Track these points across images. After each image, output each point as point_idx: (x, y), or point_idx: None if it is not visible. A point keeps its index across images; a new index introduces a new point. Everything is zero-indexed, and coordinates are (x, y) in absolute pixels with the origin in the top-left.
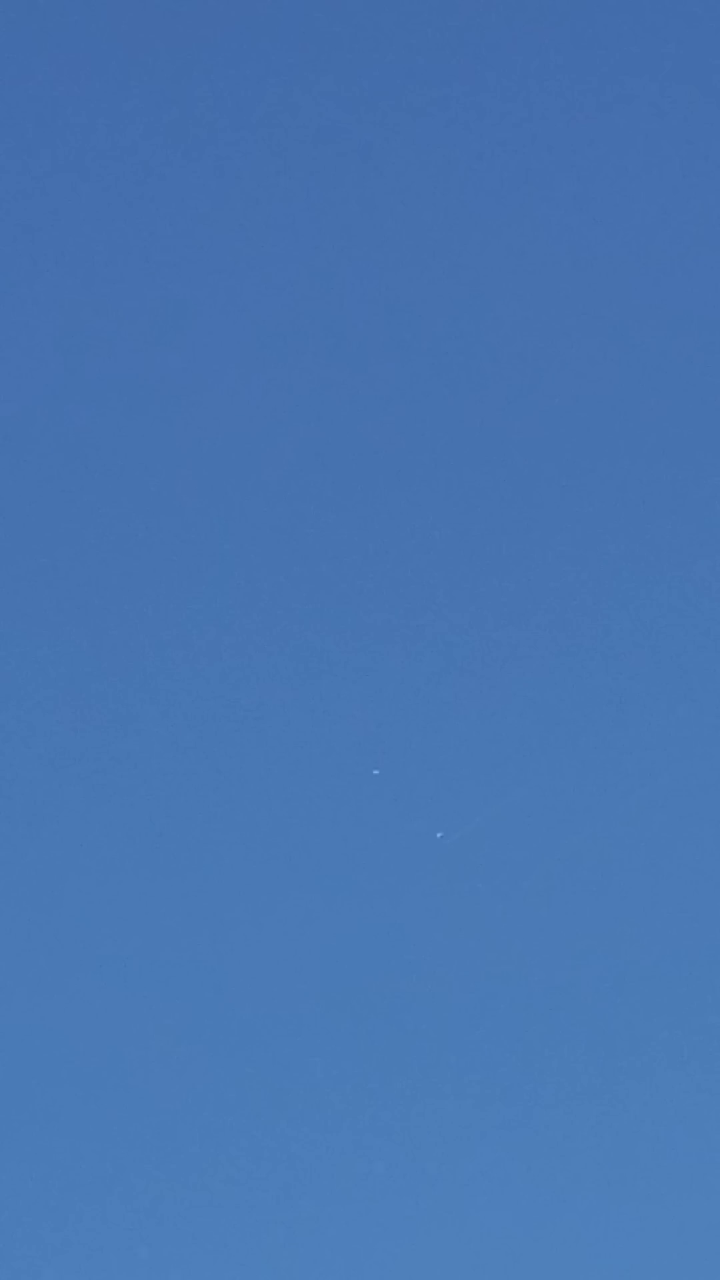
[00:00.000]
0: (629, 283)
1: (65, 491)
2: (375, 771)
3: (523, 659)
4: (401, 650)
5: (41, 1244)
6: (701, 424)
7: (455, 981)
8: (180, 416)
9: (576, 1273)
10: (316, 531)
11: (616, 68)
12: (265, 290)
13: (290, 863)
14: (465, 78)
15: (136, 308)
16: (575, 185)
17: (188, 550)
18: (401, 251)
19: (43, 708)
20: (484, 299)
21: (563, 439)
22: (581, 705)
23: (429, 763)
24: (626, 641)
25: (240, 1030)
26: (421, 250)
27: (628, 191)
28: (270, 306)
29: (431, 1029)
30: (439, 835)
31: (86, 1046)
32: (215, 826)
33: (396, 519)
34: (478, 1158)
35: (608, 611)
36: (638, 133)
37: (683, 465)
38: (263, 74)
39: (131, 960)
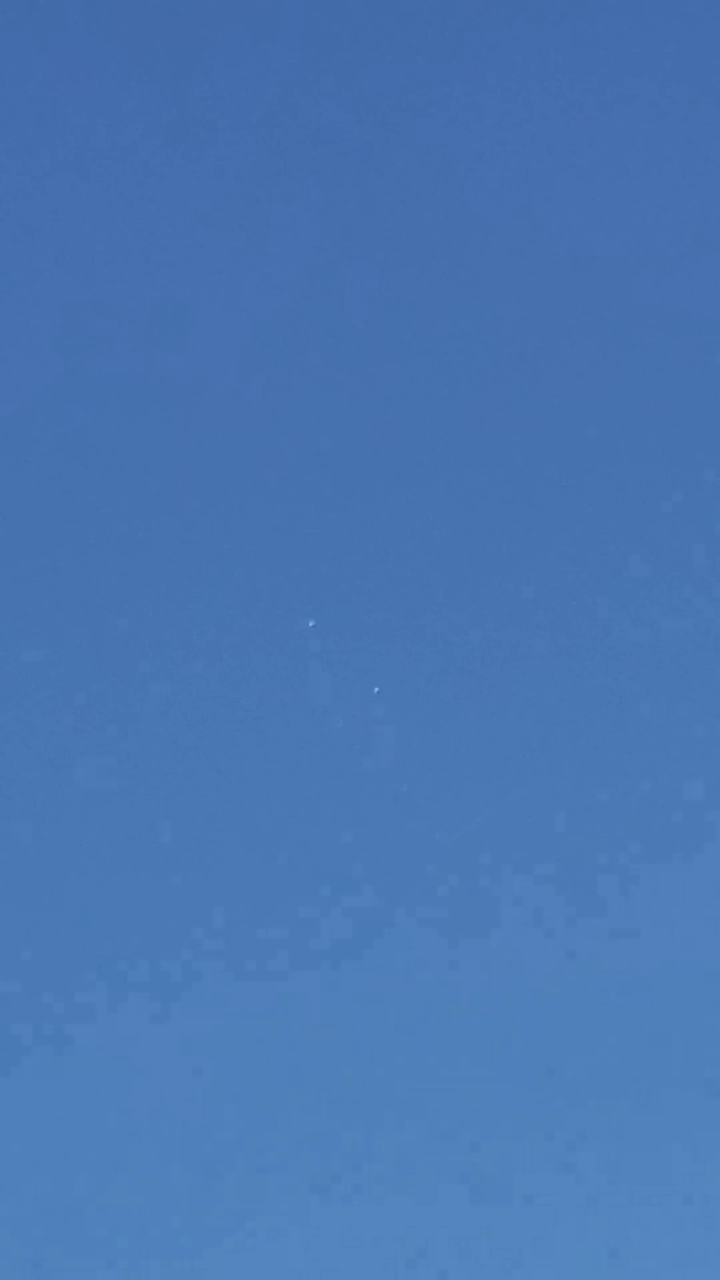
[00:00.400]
0: (629, 283)
1: (64, 492)
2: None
3: (523, 659)
4: (402, 650)
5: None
6: (702, 423)
7: (454, 983)
8: (180, 417)
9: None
10: (316, 531)
11: (616, 68)
12: (265, 290)
13: (288, 863)
14: (465, 78)
15: (136, 308)
16: (575, 185)
17: (187, 550)
18: (401, 251)
19: (42, 707)
20: (484, 299)
21: (563, 439)
22: (581, 705)
23: (429, 763)
24: (626, 642)
25: (236, 1029)
26: (421, 250)
27: (628, 191)
28: (270, 306)
29: (430, 1031)
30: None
31: (83, 1046)
32: (213, 826)
33: (396, 518)
34: (476, 1160)
35: (608, 611)
36: (638, 133)
37: (684, 466)
38: (263, 74)
39: (130, 955)
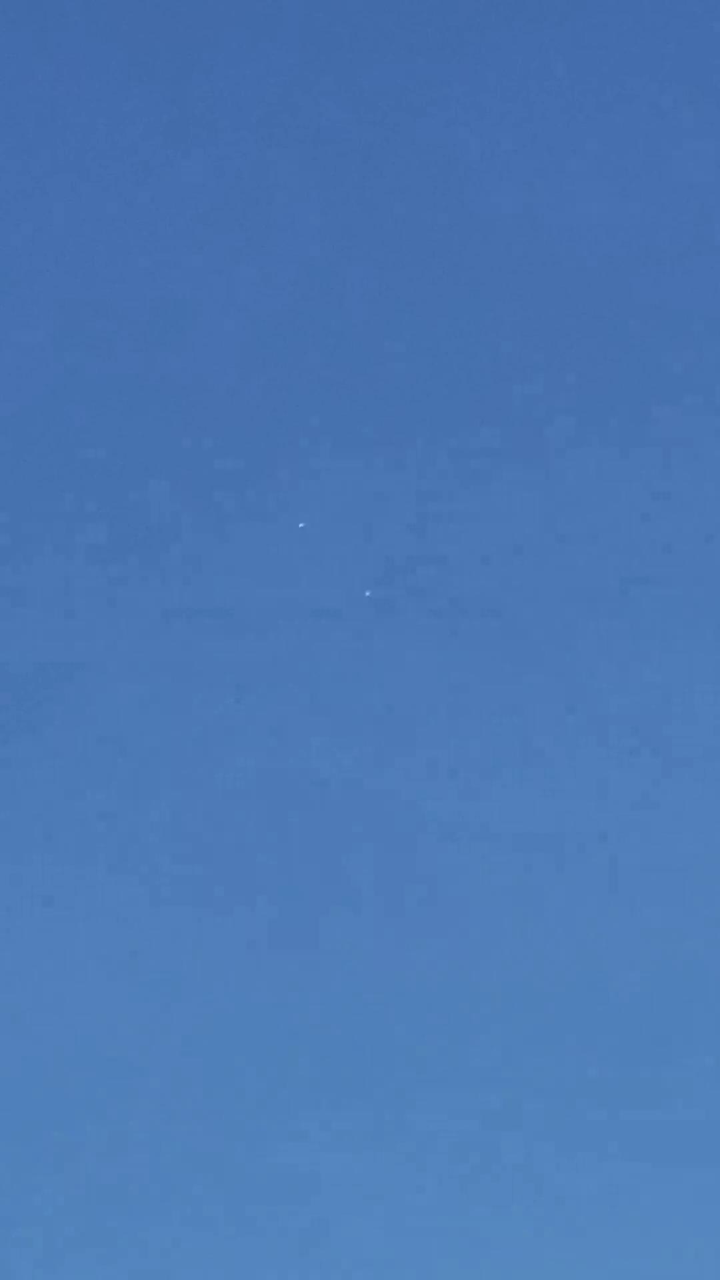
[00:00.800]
0: (630, 283)
1: (61, 491)
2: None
3: (521, 659)
4: (400, 649)
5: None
6: (704, 423)
7: (453, 986)
8: (179, 418)
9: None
10: (314, 531)
11: (616, 68)
12: (265, 290)
13: (284, 864)
14: (465, 78)
15: (136, 307)
16: (575, 185)
17: (187, 550)
18: (402, 251)
19: (43, 709)
20: (485, 300)
21: (565, 443)
22: (580, 706)
23: (427, 760)
24: (627, 644)
25: (232, 1032)
26: (422, 250)
27: (628, 191)
28: (270, 306)
29: (429, 1036)
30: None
31: (85, 1044)
32: (209, 826)
33: (396, 517)
34: (475, 1162)
35: (606, 612)
36: (638, 133)
37: (687, 475)
38: (263, 74)
39: (128, 955)
